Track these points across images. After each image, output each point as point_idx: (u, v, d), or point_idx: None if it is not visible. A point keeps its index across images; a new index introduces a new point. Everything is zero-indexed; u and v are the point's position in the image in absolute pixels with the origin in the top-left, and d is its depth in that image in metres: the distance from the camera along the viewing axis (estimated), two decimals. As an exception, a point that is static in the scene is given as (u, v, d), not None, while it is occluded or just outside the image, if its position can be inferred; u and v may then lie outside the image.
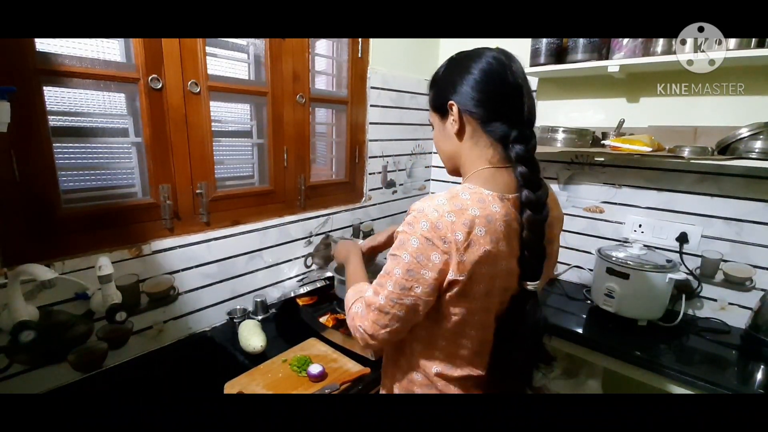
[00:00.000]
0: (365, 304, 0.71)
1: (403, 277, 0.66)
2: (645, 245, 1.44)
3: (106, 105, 1.05)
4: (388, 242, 1.04)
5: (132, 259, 1.07)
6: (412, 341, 0.76)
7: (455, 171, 0.79)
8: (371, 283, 0.76)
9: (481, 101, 0.69)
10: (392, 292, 0.67)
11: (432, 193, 2.17)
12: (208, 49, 1.16)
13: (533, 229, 0.67)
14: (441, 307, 0.69)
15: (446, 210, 0.64)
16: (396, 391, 0.81)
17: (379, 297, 0.68)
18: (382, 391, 0.89)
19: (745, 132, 1.20)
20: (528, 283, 0.71)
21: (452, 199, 0.66)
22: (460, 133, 0.73)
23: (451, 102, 0.71)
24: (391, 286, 0.67)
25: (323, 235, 1.60)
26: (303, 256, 1.54)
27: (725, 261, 1.39)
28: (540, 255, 0.70)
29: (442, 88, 0.75)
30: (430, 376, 0.75)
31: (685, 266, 1.45)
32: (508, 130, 0.69)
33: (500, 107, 0.69)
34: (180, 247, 1.16)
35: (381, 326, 0.69)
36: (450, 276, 0.65)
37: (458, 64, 0.73)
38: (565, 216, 1.57)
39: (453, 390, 0.75)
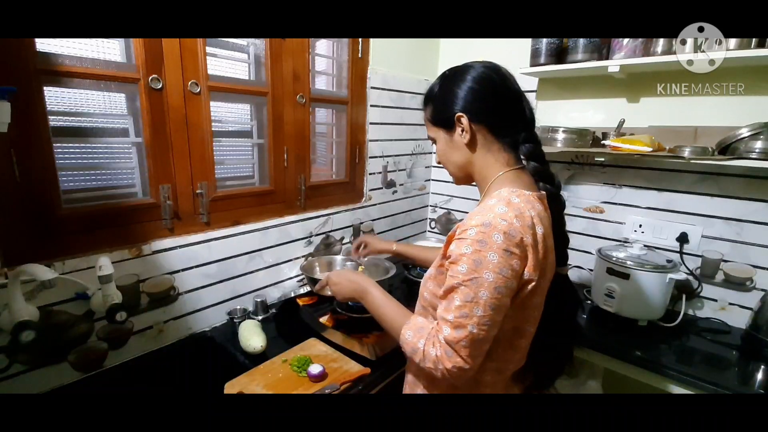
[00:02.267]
0: (449, 344, 0.65)
1: (493, 297, 0.64)
2: (645, 245, 1.44)
3: (106, 105, 1.05)
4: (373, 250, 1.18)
5: (132, 259, 1.07)
6: None
7: (466, 179, 0.82)
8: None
9: (489, 110, 0.73)
10: (483, 316, 0.64)
11: (431, 192, 2.17)
12: (208, 49, 1.16)
13: (558, 218, 0.74)
14: (515, 307, 0.69)
15: (511, 216, 0.65)
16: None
17: (467, 329, 0.64)
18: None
19: (745, 132, 1.20)
20: (561, 268, 0.77)
21: (510, 206, 0.67)
22: (471, 143, 0.75)
23: (459, 114, 0.74)
24: (480, 311, 0.64)
25: (323, 235, 1.60)
26: (303, 256, 1.54)
27: (725, 261, 1.39)
28: (566, 241, 0.77)
29: (443, 102, 0.76)
30: (479, 381, 0.75)
31: (686, 266, 1.45)
32: (517, 133, 0.74)
33: (506, 113, 0.74)
34: (180, 247, 1.16)
35: (478, 354, 0.66)
36: (525, 276, 0.66)
37: (455, 78, 0.76)
38: (565, 216, 1.58)
39: (500, 386, 0.78)
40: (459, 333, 0.64)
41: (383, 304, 0.82)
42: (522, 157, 0.76)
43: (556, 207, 0.74)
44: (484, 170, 0.77)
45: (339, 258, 1.49)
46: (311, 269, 1.39)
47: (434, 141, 0.82)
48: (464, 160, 0.78)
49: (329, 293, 1.00)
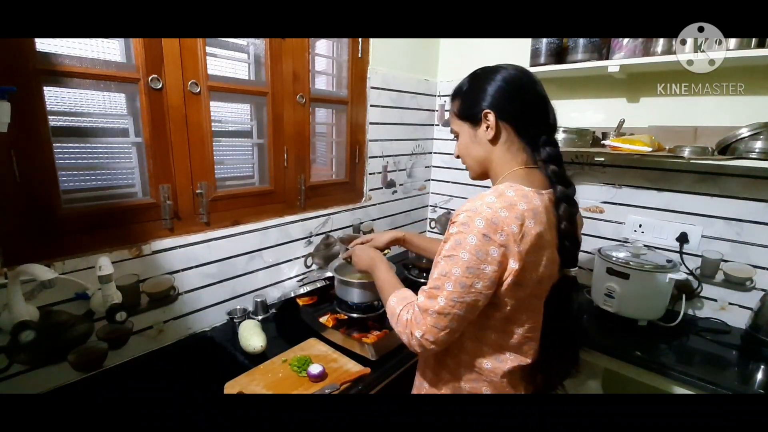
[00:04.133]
0: (420, 310, 0.71)
1: (464, 275, 0.68)
2: (645, 245, 1.44)
3: (106, 105, 1.05)
4: (388, 245, 1.16)
5: (132, 259, 1.07)
6: (462, 339, 0.77)
7: (482, 175, 0.85)
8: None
9: (516, 109, 0.77)
10: (452, 292, 0.68)
11: (430, 192, 2.17)
12: (208, 49, 1.16)
13: (570, 219, 0.75)
14: (495, 298, 0.72)
15: (498, 206, 0.69)
16: (443, 390, 0.82)
17: (437, 300, 0.69)
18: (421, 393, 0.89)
19: (745, 132, 1.20)
20: (569, 269, 0.77)
21: (500, 197, 0.70)
22: (495, 139, 0.78)
23: (487, 111, 0.77)
24: (450, 286, 0.68)
25: (323, 235, 1.60)
26: (303, 256, 1.54)
27: (725, 261, 1.39)
28: (577, 243, 0.77)
29: (472, 98, 0.80)
30: (481, 370, 0.78)
31: (686, 266, 1.45)
32: (538, 134, 0.78)
33: (532, 115, 0.78)
34: (180, 247, 1.16)
35: (441, 329, 0.70)
36: (511, 265, 0.69)
37: (486, 77, 0.79)
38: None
39: (505, 383, 0.78)
40: (429, 302, 0.70)
41: (385, 278, 0.90)
42: (541, 159, 0.78)
43: (566, 208, 0.75)
44: (499, 167, 0.80)
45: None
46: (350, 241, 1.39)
47: (457, 135, 0.85)
48: (484, 155, 0.81)
49: (349, 261, 1.11)
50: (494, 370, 0.77)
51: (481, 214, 0.68)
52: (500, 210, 0.68)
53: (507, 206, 0.69)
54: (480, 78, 0.80)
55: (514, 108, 0.77)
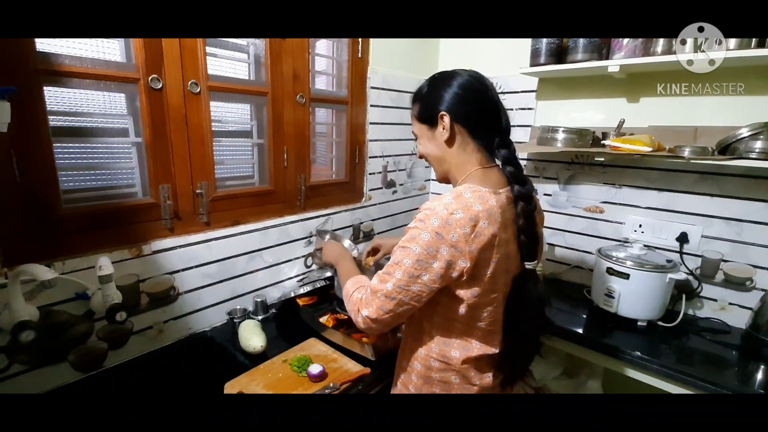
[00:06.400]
0: (370, 291, 0.79)
1: (413, 266, 0.74)
2: (645, 245, 1.44)
3: (106, 105, 1.05)
4: (373, 248, 1.21)
5: (132, 259, 1.07)
6: (431, 330, 0.84)
7: (444, 176, 0.89)
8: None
9: (469, 113, 0.81)
10: (400, 279, 0.75)
11: (430, 192, 2.17)
12: (208, 49, 1.16)
13: (526, 216, 0.79)
14: (455, 293, 0.77)
15: (454, 208, 0.73)
16: (414, 379, 0.88)
17: (386, 284, 0.76)
18: (396, 385, 0.94)
19: (745, 132, 1.20)
20: (527, 263, 0.81)
21: (457, 198, 0.75)
22: (450, 140, 0.83)
23: (442, 113, 0.81)
24: (400, 274, 0.75)
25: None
26: (303, 256, 1.54)
27: (725, 261, 1.39)
28: (534, 238, 0.80)
29: (430, 101, 0.84)
30: (449, 359, 0.83)
31: (686, 266, 1.45)
32: (491, 137, 0.82)
33: (484, 119, 0.82)
34: (180, 247, 1.16)
35: (385, 311, 0.76)
36: (461, 264, 0.73)
37: (443, 82, 0.84)
38: (565, 216, 1.65)
39: (472, 371, 0.83)
40: (380, 285, 0.77)
41: (348, 268, 0.97)
42: (498, 161, 0.83)
43: (525, 206, 0.78)
44: (456, 167, 0.84)
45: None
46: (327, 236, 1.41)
47: (417, 137, 0.90)
48: (441, 155, 0.85)
49: (318, 254, 1.18)
50: (460, 358, 0.81)
51: (438, 213, 0.73)
52: (456, 211, 0.73)
53: (463, 208, 0.73)
54: (438, 82, 0.84)
55: (467, 111, 0.81)
